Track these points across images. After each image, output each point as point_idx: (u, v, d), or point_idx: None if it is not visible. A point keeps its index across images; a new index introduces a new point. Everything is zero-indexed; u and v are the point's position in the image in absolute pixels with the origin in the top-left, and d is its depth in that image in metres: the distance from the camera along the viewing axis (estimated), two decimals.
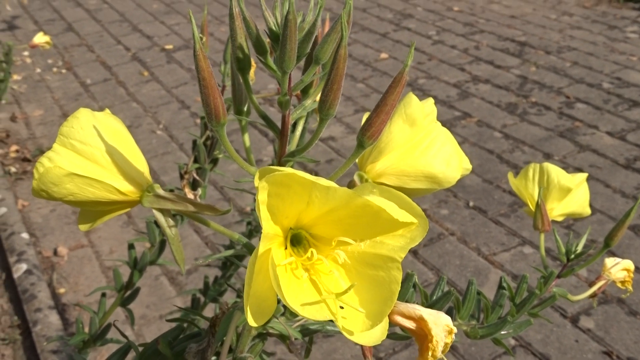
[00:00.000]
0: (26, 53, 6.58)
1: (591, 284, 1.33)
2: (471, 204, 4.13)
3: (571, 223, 3.88)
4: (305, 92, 0.89)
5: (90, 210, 0.94)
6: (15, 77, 5.98)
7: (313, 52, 0.82)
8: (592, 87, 5.69)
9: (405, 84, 0.79)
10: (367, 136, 0.80)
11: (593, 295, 1.32)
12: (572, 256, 1.28)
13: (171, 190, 0.97)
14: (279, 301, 0.73)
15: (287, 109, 0.81)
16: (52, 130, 5.17)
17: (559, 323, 3.21)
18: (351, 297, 0.71)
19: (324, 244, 0.74)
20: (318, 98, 0.83)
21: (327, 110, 0.78)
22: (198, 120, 5.25)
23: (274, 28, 0.80)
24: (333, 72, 0.76)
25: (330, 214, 0.71)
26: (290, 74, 0.81)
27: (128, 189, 0.90)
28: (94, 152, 0.88)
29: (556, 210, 1.40)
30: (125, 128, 0.93)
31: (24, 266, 3.58)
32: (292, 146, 0.89)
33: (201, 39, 1.62)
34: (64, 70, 6.27)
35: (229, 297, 2.57)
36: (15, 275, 3.53)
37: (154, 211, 0.92)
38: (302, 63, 0.87)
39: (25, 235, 3.84)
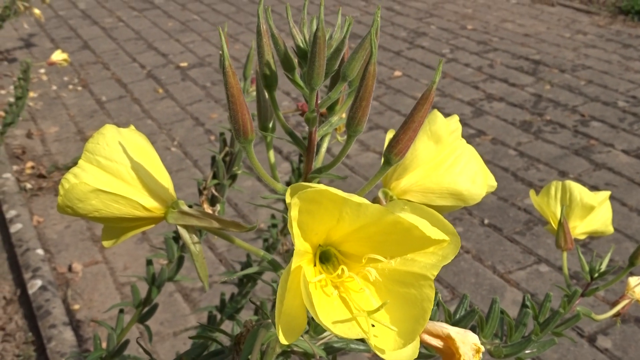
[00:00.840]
0: (42, 70, 6.65)
1: (614, 303, 1.31)
2: (486, 221, 4.11)
3: (587, 242, 3.85)
4: (330, 109, 0.89)
5: (115, 226, 0.94)
6: (32, 94, 6.04)
7: (340, 69, 0.82)
8: (607, 105, 5.67)
9: (432, 101, 0.79)
10: (395, 153, 0.80)
11: (617, 315, 1.31)
12: (596, 275, 1.26)
13: (189, 207, 0.97)
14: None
15: (314, 125, 0.81)
16: (68, 147, 5.21)
17: (576, 342, 3.17)
18: (382, 315, 0.70)
19: (353, 261, 0.74)
20: (343, 115, 0.83)
21: (356, 127, 0.78)
22: (212, 137, 5.28)
23: (301, 45, 0.80)
24: (362, 88, 0.76)
25: (360, 231, 0.71)
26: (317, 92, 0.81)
27: (153, 205, 0.90)
28: (119, 169, 0.88)
29: (579, 228, 1.38)
30: (150, 144, 0.93)
31: (38, 282, 3.58)
32: (317, 163, 0.89)
33: (220, 55, 1.62)
34: (79, 88, 6.32)
35: (245, 315, 2.56)
36: (30, 292, 3.54)
37: (179, 227, 0.91)
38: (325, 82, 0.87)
39: (40, 252, 3.85)
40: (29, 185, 4.63)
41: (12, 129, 5.09)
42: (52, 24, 8.16)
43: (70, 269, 3.80)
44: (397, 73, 6.48)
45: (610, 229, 1.41)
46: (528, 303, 1.19)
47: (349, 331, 0.68)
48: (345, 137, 0.83)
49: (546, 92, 5.97)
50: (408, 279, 0.71)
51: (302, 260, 0.69)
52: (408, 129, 0.79)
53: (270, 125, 0.90)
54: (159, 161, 0.93)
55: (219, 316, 2.22)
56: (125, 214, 0.89)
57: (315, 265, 0.73)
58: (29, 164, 4.90)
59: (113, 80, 6.48)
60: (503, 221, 4.11)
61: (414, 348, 0.70)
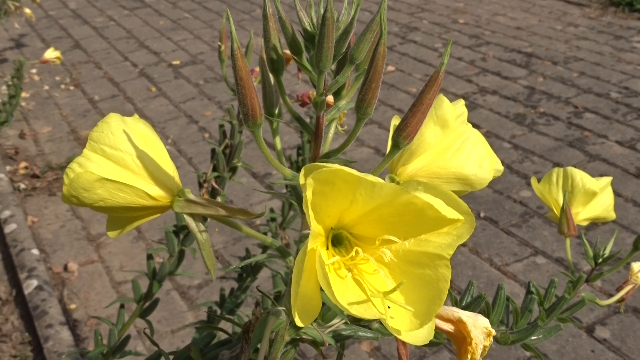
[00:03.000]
0: (34, 70, 6.61)
1: (618, 289, 1.31)
2: (482, 214, 4.11)
3: (584, 232, 3.85)
4: (337, 94, 0.88)
5: (120, 216, 0.93)
6: (24, 94, 6.00)
7: (348, 52, 0.81)
8: (600, 96, 5.69)
9: (441, 83, 0.78)
10: (403, 136, 0.79)
11: (621, 300, 1.31)
12: (600, 260, 1.26)
13: None
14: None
15: (322, 109, 0.80)
16: (61, 146, 5.18)
17: (574, 333, 3.18)
18: (397, 296, 0.70)
19: (366, 243, 0.73)
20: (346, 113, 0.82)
21: (365, 109, 0.77)
22: (207, 135, 5.26)
23: (309, 28, 0.80)
24: (372, 70, 0.75)
25: (373, 212, 0.70)
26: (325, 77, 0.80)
27: (159, 194, 0.89)
28: (124, 157, 0.87)
29: (581, 214, 1.38)
30: (155, 133, 0.92)
31: (34, 282, 3.56)
32: (324, 148, 0.88)
33: (220, 47, 1.62)
34: (72, 87, 6.29)
35: (244, 310, 2.55)
36: (26, 292, 3.52)
37: (185, 216, 0.90)
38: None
39: (35, 252, 3.83)
40: (22, 186, 4.60)
41: (5, 129, 5.07)
42: (43, 24, 8.11)
43: (65, 268, 3.78)
44: (390, 68, 6.48)
45: (612, 215, 1.41)
46: (533, 289, 1.19)
47: (365, 312, 0.67)
48: (345, 127, 0.83)
49: (539, 85, 5.98)
50: (423, 260, 0.70)
51: (316, 243, 0.69)
52: (417, 111, 0.78)
53: (276, 111, 0.90)
54: (163, 150, 0.92)
55: (218, 311, 2.22)
56: (131, 203, 0.88)
57: (327, 248, 0.72)
58: (23, 164, 4.87)
59: (105, 80, 6.45)
60: (499, 214, 4.11)
61: (429, 329, 0.70)
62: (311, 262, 0.67)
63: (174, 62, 6.79)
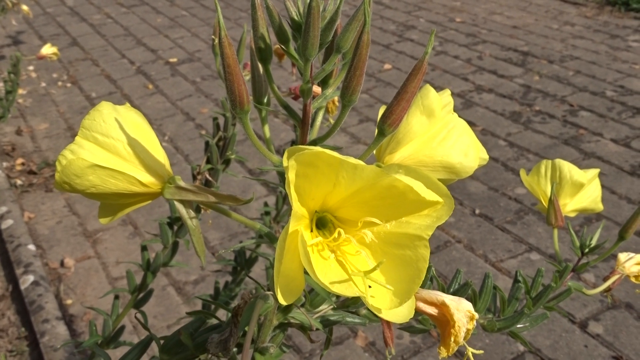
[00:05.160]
0: (31, 67, 6.62)
1: (605, 279, 1.33)
2: (477, 211, 4.13)
3: (577, 229, 3.88)
4: (324, 82, 0.90)
5: (111, 203, 0.95)
6: (21, 91, 6.01)
7: (334, 41, 0.83)
8: (595, 95, 5.71)
9: (425, 71, 0.80)
10: (388, 124, 0.81)
11: (607, 290, 1.33)
12: (587, 250, 1.28)
13: None
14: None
15: (309, 97, 0.82)
16: (58, 143, 5.20)
17: (567, 328, 3.20)
18: (378, 276, 0.72)
19: (349, 226, 0.75)
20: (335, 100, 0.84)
21: (350, 96, 0.79)
22: (203, 132, 5.28)
23: (296, 18, 0.81)
24: (356, 58, 0.77)
25: (356, 195, 0.72)
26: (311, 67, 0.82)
27: (150, 181, 0.90)
28: (116, 145, 0.89)
29: (569, 205, 1.40)
30: (146, 121, 0.94)
31: (31, 278, 3.58)
32: (312, 136, 0.90)
33: (214, 40, 1.63)
34: (69, 84, 6.30)
35: None
36: (23, 287, 3.54)
37: (176, 203, 0.92)
38: (316, 60, 0.87)
39: (31, 247, 3.84)
40: (19, 182, 4.62)
41: (1, 126, 5.08)
42: (40, 21, 8.12)
43: (62, 264, 3.80)
44: (387, 66, 6.50)
45: (599, 206, 1.43)
46: (520, 278, 1.21)
47: (346, 290, 0.69)
48: (337, 119, 0.85)
49: (535, 83, 6.00)
50: (403, 241, 0.72)
51: (299, 225, 0.70)
52: (401, 99, 0.80)
53: (265, 100, 0.91)
54: (155, 138, 0.94)
55: (213, 305, 2.23)
56: (122, 189, 0.89)
57: (312, 231, 0.74)
58: (19, 160, 4.88)
59: (102, 77, 6.47)
60: (494, 211, 4.13)
61: (409, 308, 0.72)
62: (294, 242, 0.69)
63: (171, 60, 6.81)
